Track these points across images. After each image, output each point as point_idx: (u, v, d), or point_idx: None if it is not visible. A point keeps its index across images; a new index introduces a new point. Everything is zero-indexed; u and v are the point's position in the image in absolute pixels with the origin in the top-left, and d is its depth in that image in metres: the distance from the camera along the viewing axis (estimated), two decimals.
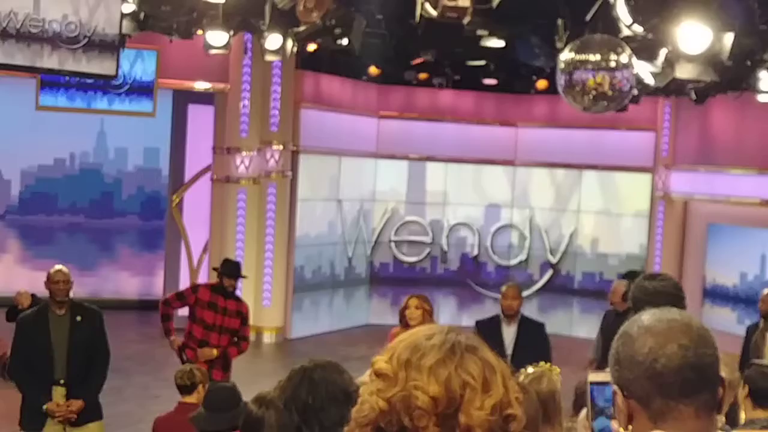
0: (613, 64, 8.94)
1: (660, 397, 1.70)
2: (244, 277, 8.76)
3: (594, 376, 1.94)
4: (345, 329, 14.67)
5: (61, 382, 6.46)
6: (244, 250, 13.83)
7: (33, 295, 11.33)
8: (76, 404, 6.44)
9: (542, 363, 3.99)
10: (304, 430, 2.99)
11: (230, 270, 8.35)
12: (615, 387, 1.74)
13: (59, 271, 6.62)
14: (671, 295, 4.01)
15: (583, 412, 1.91)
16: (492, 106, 16.29)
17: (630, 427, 1.73)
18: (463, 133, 16.00)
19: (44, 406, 6.41)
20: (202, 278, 14.28)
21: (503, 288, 7.86)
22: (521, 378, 3.90)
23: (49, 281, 6.57)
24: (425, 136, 15.91)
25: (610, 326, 7.18)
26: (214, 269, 8.79)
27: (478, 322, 7.85)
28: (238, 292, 8.83)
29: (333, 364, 3.16)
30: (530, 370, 3.99)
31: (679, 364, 1.69)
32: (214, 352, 7.99)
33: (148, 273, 16.32)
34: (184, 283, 14.67)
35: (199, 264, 14.66)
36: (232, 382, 5.05)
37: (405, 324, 7.21)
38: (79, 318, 6.55)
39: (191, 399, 5.95)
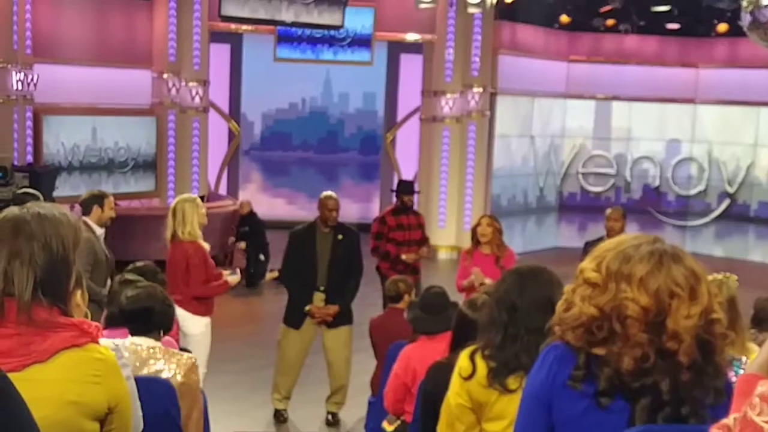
0: None
1: None
2: (418, 192, 8.75)
3: None
4: (536, 251, 14.54)
5: (321, 288, 6.58)
6: (448, 181, 13.94)
7: (249, 204, 12.03)
8: (333, 309, 6.58)
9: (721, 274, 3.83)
10: (510, 329, 2.88)
11: (407, 188, 8.48)
12: None
13: (332, 198, 6.61)
14: None
15: None
16: (674, 49, 15.60)
17: None
18: (646, 75, 15.42)
19: (306, 308, 6.59)
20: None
21: (607, 211, 7.60)
22: None
23: (325, 207, 6.57)
24: (611, 78, 15.43)
25: None
26: (392, 191, 8.87)
27: (587, 243, 7.33)
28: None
29: (546, 273, 2.97)
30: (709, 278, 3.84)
31: None
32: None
33: (366, 200, 16.65)
34: None
35: None
36: (442, 288, 5.05)
37: (476, 241, 7.01)
38: (340, 236, 6.60)
39: (399, 305, 6.09)
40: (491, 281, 6.65)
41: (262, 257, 11.68)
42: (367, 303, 9.45)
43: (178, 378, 3.76)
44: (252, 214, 11.97)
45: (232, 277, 6.32)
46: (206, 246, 6.15)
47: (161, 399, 3.71)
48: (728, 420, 1.69)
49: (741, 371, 3.56)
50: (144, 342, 3.80)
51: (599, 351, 1.94)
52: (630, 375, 1.92)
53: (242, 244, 11.85)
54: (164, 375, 3.76)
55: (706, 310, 1.92)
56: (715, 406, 1.95)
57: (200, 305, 6.07)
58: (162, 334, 3.93)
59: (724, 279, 3.77)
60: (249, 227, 11.91)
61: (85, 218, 6.08)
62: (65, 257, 2.05)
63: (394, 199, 8.56)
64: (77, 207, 6.30)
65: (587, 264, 2.00)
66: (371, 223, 8.64)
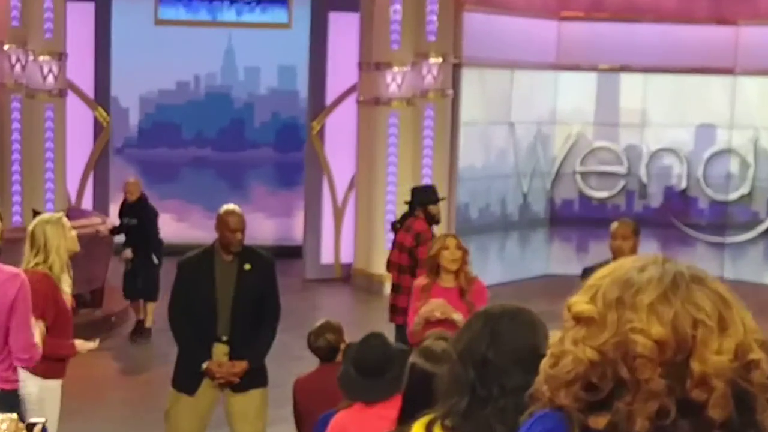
0: None
1: None
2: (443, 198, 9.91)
3: None
4: (519, 280, 14.74)
5: (224, 338, 6.63)
6: (397, 186, 14.02)
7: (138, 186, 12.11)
8: (240, 366, 6.62)
9: None
10: (479, 390, 2.90)
11: (433, 196, 9.58)
12: None
13: (235, 214, 6.67)
14: None
15: None
16: (705, 0, 15.94)
17: None
18: (667, 36, 15.70)
19: (203, 365, 6.61)
20: (349, 220, 14.62)
21: (613, 225, 7.55)
22: None
23: (225, 227, 6.62)
24: (618, 42, 15.68)
25: None
26: (407, 203, 9.72)
27: (586, 269, 7.09)
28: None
29: (526, 314, 2.99)
30: None
31: None
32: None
33: (285, 214, 16.77)
34: (327, 227, 15.01)
35: (345, 203, 15.03)
36: (384, 337, 5.00)
37: (436, 270, 7.00)
38: (248, 266, 6.66)
39: (335, 362, 6.04)
40: (461, 316, 6.57)
41: (154, 259, 11.75)
42: (290, 356, 9.69)
43: None
44: (142, 201, 11.98)
45: (87, 344, 6.32)
46: (68, 289, 6.25)
47: None
48: None
49: None
50: None
51: (599, 422, 1.98)
52: None
53: (128, 252, 11.85)
54: None
55: (741, 347, 1.92)
56: None
57: (40, 362, 5.68)
58: None
59: None
60: (138, 219, 11.87)
61: None
62: None
63: (390, 216, 9.28)
64: None
65: (578, 297, 2.04)
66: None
